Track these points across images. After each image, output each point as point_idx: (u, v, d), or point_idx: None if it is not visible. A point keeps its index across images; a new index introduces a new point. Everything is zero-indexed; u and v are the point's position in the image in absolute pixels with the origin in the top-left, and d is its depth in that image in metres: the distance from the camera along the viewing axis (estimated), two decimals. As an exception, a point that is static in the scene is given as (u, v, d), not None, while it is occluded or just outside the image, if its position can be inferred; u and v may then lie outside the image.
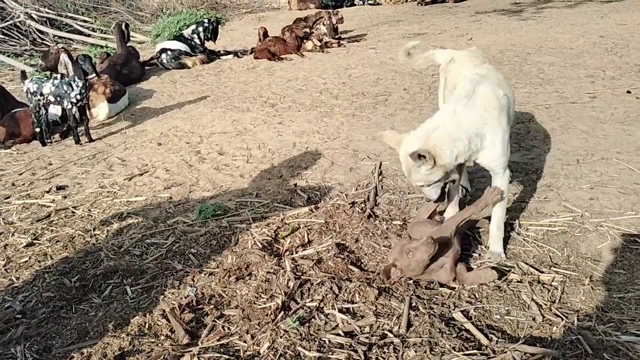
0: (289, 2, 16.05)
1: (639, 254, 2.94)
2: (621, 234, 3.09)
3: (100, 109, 6.56)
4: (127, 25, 9.18)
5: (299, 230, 3.42)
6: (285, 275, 2.92)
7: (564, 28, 9.13)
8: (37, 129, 5.76)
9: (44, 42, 12.25)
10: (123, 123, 6.37)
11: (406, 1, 15.31)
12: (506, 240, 3.11)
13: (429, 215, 3.09)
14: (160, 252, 3.37)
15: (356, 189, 3.95)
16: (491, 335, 2.39)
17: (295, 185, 4.18)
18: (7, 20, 12.20)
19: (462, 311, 2.57)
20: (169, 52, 9.09)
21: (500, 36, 8.99)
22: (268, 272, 2.96)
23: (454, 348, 2.30)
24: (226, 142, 5.30)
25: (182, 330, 2.57)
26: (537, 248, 3.06)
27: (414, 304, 2.62)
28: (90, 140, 5.81)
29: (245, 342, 2.48)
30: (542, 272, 2.84)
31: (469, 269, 2.83)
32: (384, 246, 3.16)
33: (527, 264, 2.92)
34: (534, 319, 2.50)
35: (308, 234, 3.38)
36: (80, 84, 5.61)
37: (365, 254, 3.13)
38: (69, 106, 5.64)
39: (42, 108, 5.69)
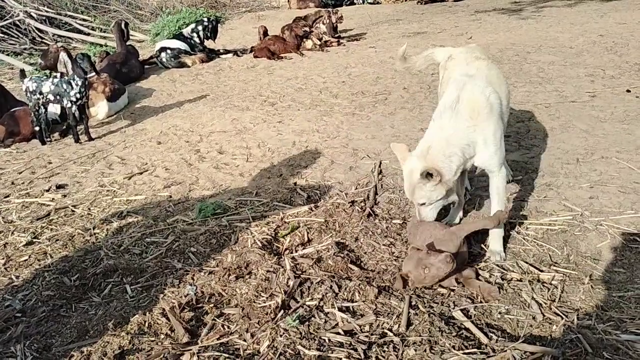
0: (288, 1, 16.05)
1: (638, 252, 2.94)
2: (621, 233, 3.09)
3: (100, 108, 6.56)
4: (126, 24, 9.17)
5: (298, 229, 3.42)
6: (285, 274, 2.92)
7: (563, 27, 9.13)
8: (37, 128, 5.76)
9: (43, 40, 12.25)
10: (123, 122, 6.37)
11: (406, 0, 15.31)
12: (506, 239, 3.11)
13: None
14: (160, 250, 3.37)
15: (356, 188, 3.95)
16: (491, 334, 2.39)
17: (295, 184, 4.18)
18: (7, 19, 12.19)
19: (461, 310, 2.57)
20: (168, 51, 9.08)
21: (500, 35, 8.98)
22: (268, 271, 2.95)
23: (453, 347, 2.30)
24: (226, 141, 5.30)
25: (182, 329, 2.56)
26: (537, 247, 3.06)
27: (413, 303, 2.62)
28: (90, 139, 5.80)
29: (245, 340, 2.48)
30: (542, 271, 2.84)
31: (477, 275, 2.82)
32: (383, 245, 3.16)
33: (527, 262, 2.92)
34: (533, 318, 2.50)
35: (308, 233, 3.38)
36: (80, 83, 5.60)
37: (365, 253, 3.13)
38: (69, 105, 5.63)
39: (42, 107, 5.69)
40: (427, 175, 2.70)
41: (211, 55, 9.51)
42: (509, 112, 3.39)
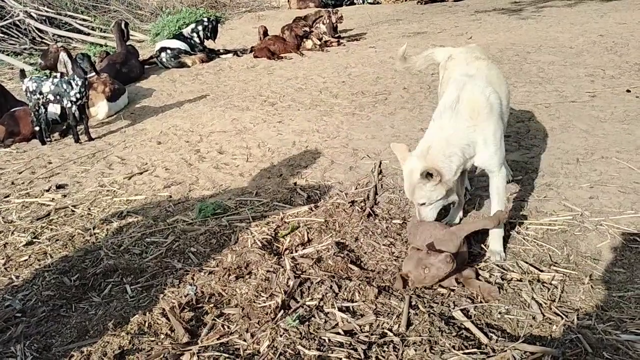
0: (288, 1, 16.05)
1: (638, 252, 2.94)
2: (621, 233, 3.09)
3: (100, 108, 6.56)
4: (126, 24, 9.17)
5: (298, 229, 3.42)
6: (285, 274, 2.92)
7: (563, 27, 9.12)
8: (37, 128, 5.76)
9: (43, 40, 12.25)
10: (122, 122, 6.37)
11: (406, 0, 15.31)
12: (506, 239, 3.11)
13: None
14: (160, 250, 3.37)
15: (356, 188, 3.95)
16: (491, 334, 2.39)
17: (295, 184, 4.18)
18: (7, 19, 12.19)
19: (461, 310, 2.57)
20: (168, 51, 9.08)
21: (500, 35, 8.98)
22: (268, 271, 2.95)
23: (453, 347, 2.30)
24: (226, 141, 5.30)
25: (182, 329, 2.56)
26: (537, 247, 3.06)
27: (413, 303, 2.62)
28: (90, 139, 5.80)
29: (245, 340, 2.48)
30: (542, 271, 2.84)
31: (477, 275, 2.82)
32: (383, 245, 3.16)
33: (527, 262, 2.92)
34: (533, 318, 2.50)
35: (308, 233, 3.38)
36: (80, 83, 5.60)
37: (365, 253, 3.13)
38: (69, 105, 5.63)
39: (42, 107, 5.69)
40: (427, 175, 2.71)
41: (211, 55, 9.51)
42: (509, 112, 3.39)
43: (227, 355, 2.39)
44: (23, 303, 2.96)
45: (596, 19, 9.59)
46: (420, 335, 2.39)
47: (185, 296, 2.84)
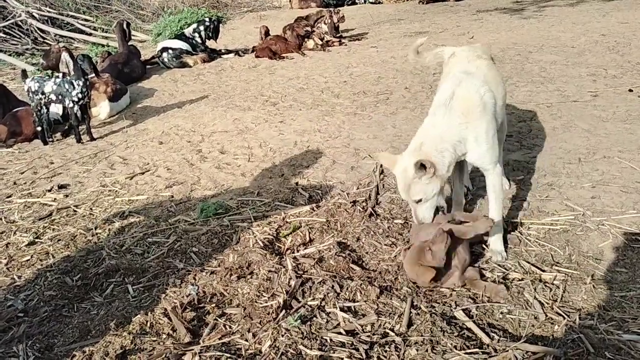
0: (290, 1, 16.05)
1: (640, 252, 2.93)
2: (623, 233, 3.09)
3: (102, 108, 6.57)
4: (128, 24, 9.19)
5: (300, 229, 3.42)
6: (286, 273, 2.92)
7: (565, 26, 9.11)
8: (39, 128, 5.77)
9: (45, 41, 12.27)
10: (124, 122, 6.38)
11: (407, 0, 15.29)
12: (507, 238, 3.10)
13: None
14: (162, 250, 3.37)
15: (357, 188, 3.95)
16: (492, 334, 2.39)
17: (297, 184, 4.18)
18: (9, 19, 12.22)
19: (463, 310, 2.57)
20: (170, 51, 9.09)
21: (502, 35, 8.97)
22: (269, 271, 2.96)
23: (455, 347, 2.30)
24: (227, 141, 5.30)
25: (184, 329, 2.57)
26: (538, 247, 3.06)
27: (415, 303, 2.62)
28: (92, 139, 5.81)
29: (246, 340, 2.48)
30: (543, 270, 2.83)
31: (482, 276, 2.81)
32: (385, 245, 3.16)
33: (528, 262, 2.91)
34: (535, 318, 2.49)
35: (309, 233, 3.38)
36: (82, 83, 5.61)
37: (367, 253, 3.13)
38: (71, 105, 5.65)
39: (44, 107, 5.70)
40: (421, 166, 2.70)
41: (213, 55, 9.52)
42: (511, 112, 3.39)
43: (228, 355, 2.39)
44: (25, 303, 2.97)
45: (598, 18, 9.57)
46: (421, 335, 2.39)
47: (187, 296, 2.85)
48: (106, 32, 12.49)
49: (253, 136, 5.37)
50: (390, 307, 2.61)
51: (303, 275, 2.91)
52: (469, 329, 2.43)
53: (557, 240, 3.10)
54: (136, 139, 5.73)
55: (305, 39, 9.48)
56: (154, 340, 2.54)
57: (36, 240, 3.68)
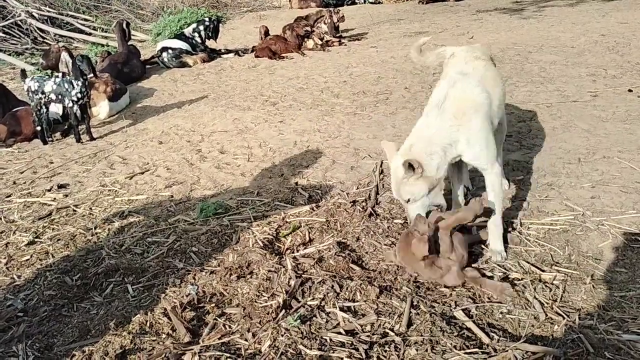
0: (290, 1, 16.05)
1: (640, 252, 2.94)
2: (622, 233, 3.09)
3: (101, 108, 6.57)
4: (128, 24, 9.19)
5: (300, 229, 3.42)
6: (286, 273, 2.92)
7: (565, 26, 9.11)
8: (38, 128, 5.77)
9: (45, 40, 12.27)
10: (124, 121, 6.38)
11: None
12: (507, 238, 3.10)
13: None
14: (162, 250, 3.37)
15: (357, 188, 3.95)
16: (492, 334, 2.39)
17: (297, 183, 4.18)
18: (8, 19, 12.21)
19: (463, 310, 2.57)
20: (169, 51, 9.09)
21: (502, 35, 8.98)
22: (269, 271, 2.96)
23: (455, 347, 2.30)
24: (227, 141, 5.30)
25: (184, 329, 2.57)
26: (538, 247, 3.06)
27: (415, 303, 2.62)
28: (92, 138, 5.81)
29: (246, 340, 2.48)
30: (543, 270, 2.83)
31: (482, 275, 2.80)
32: (385, 245, 3.16)
33: (528, 262, 2.91)
34: (535, 318, 2.49)
35: (309, 233, 3.38)
36: (81, 82, 5.61)
37: (367, 253, 3.13)
38: (70, 104, 5.64)
39: (44, 106, 5.70)
40: (409, 166, 2.72)
41: (212, 55, 9.51)
42: (508, 112, 3.38)
43: (228, 355, 2.39)
44: (25, 302, 2.97)
45: (598, 18, 9.58)
46: (421, 335, 2.39)
47: (187, 296, 2.85)
48: (106, 31, 12.48)
49: (253, 136, 5.37)
50: (390, 307, 2.61)
51: (303, 275, 2.91)
52: (468, 329, 2.43)
53: (556, 240, 3.10)
54: (136, 138, 5.73)
55: (305, 39, 9.48)
56: (153, 340, 2.54)
57: (36, 239, 3.68)
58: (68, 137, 5.98)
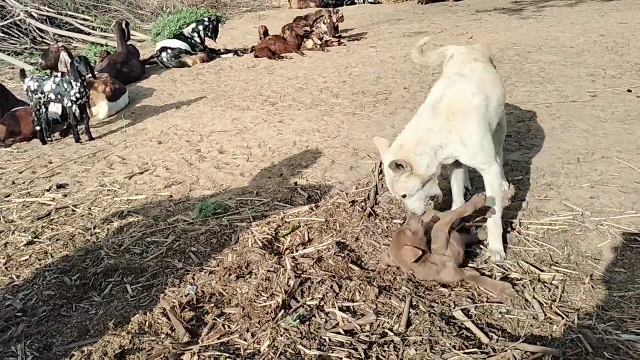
0: (289, 1, 16.05)
1: (639, 252, 2.93)
2: (621, 233, 3.09)
3: (101, 108, 6.57)
4: (127, 24, 9.19)
5: (299, 229, 3.42)
6: (285, 273, 2.92)
7: (564, 27, 9.12)
8: (38, 128, 5.76)
9: (44, 40, 12.26)
10: (123, 121, 6.37)
11: (406, 0, 15.30)
12: (506, 238, 3.11)
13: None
14: (161, 250, 3.37)
15: (356, 188, 3.95)
16: (491, 334, 2.39)
17: (296, 183, 4.18)
18: (7, 19, 12.20)
19: (462, 310, 2.57)
20: (169, 51, 9.08)
21: (501, 35, 8.98)
22: (268, 271, 2.96)
23: (454, 346, 2.30)
24: (226, 141, 5.30)
25: (183, 329, 2.56)
26: (537, 247, 3.06)
27: (414, 303, 2.62)
28: (91, 138, 5.81)
29: (245, 340, 2.48)
30: (542, 270, 2.84)
31: (481, 274, 2.80)
32: (384, 245, 3.16)
33: (527, 262, 2.92)
34: (534, 318, 2.50)
35: (308, 233, 3.38)
36: (80, 82, 5.61)
37: (366, 253, 3.13)
38: (69, 104, 5.64)
39: (43, 106, 5.69)
40: (397, 166, 2.75)
41: (212, 54, 9.51)
42: (507, 112, 3.38)
43: (227, 355, 2.39)
44: (24, 302, 2.96)
45: (597, 18, 9.59)
46: (420, 335, 2.39)
47: (186, 296, 2.85)
48: (105, 31, 12.48)
49: (252, 136, 5.37)
50: (389, 306, 2.61)
51: (302, 275, 2.91)
52: (467, 329, 2.44)
53: (555, 240, 3.10)
54: (135, 138, 5.73)
55: (304, 39, 9.48)
56: (152, 340, 2.54)
57: (35, 239, 3.67)
58: (67, 137, 5.98)
